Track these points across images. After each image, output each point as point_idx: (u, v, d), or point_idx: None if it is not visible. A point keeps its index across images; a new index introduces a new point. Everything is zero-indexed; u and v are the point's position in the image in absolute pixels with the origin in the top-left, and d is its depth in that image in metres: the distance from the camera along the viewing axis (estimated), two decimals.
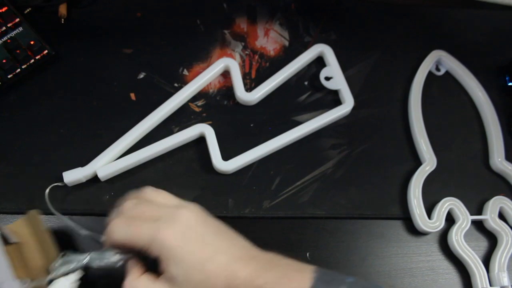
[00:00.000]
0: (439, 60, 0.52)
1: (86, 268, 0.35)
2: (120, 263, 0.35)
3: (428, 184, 0.45)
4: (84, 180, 0.42)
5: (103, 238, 0.34)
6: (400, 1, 0.54)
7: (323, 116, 0.47)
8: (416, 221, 0.43)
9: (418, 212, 0.43)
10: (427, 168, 0.46)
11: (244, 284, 0.31)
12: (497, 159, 0.47)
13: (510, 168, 0.47)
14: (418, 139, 0.47)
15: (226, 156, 0.44)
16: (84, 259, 0.35)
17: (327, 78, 0.49)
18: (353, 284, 0.31)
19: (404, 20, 0.55)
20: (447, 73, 0.53)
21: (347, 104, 0.48)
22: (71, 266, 0.35)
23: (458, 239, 0.43)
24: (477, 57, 0.53)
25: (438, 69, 0.52)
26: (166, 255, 0.31)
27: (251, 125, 0.47)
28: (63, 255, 0.36)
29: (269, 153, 0.45)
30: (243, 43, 0.51)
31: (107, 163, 0.42)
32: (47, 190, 0.41)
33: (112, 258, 0.35)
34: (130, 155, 0.43)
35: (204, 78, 0.47)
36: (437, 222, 0.43)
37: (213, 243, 0.32)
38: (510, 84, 0.52)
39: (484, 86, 0.51)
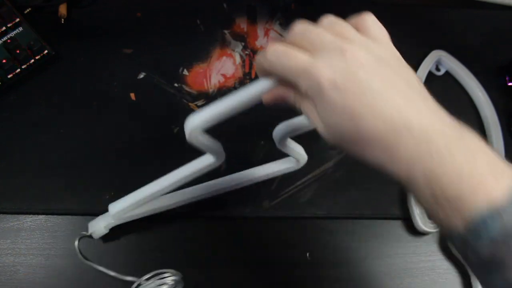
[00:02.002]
0: (439, 60, 0.52)
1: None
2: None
3: None
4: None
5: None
6: (400, 1, 0.54)
7: None
8: (416, 221, 0.43)
9: (418, 212, 0.43)
10: None
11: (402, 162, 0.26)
12: None
13: None
14: None
15: None
16: None
17: None
18: None
19: (404, 20, 0.55)
20: (447, 73, 0.52)
21: None
22: None
23: None
24: (477, 57, 0.53)
25: (438, 69, 0.52)
26: (314, 93, 0.26)
27: (251, 125, 0.47)
28: None
29: None
30: (243, 43, 0.51)
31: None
32: (76, 242, 0.39)
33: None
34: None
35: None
36: None
37: (376, 95, 0.25)
38: (510, 84, 0.52)
39: (484, 86, 0.51)
